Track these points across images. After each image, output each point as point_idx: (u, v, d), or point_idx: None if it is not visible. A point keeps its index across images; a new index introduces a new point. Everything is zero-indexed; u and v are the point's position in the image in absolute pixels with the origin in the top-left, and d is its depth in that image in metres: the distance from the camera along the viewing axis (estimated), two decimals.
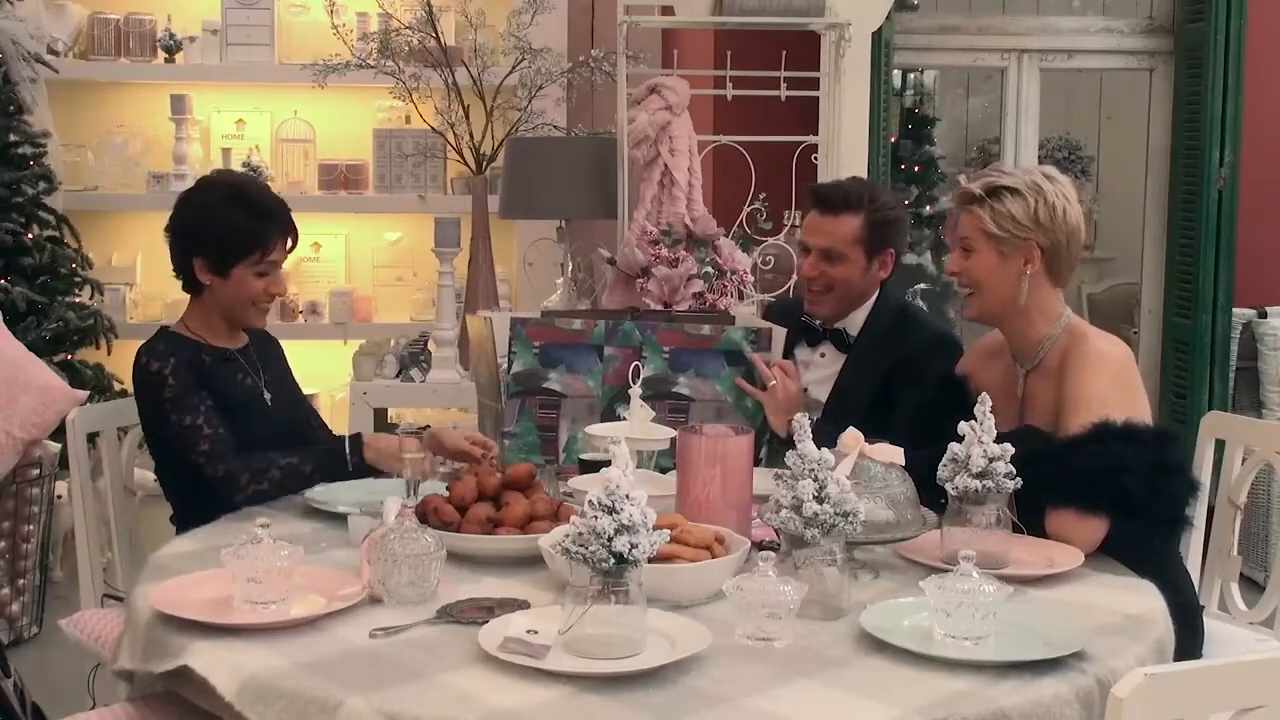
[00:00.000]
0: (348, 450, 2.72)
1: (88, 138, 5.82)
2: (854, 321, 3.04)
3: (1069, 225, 2.49)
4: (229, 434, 2.68)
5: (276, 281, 2.79)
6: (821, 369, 3.04)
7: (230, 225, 2.72)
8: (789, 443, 2.30)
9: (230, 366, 2.79)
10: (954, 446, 2.19)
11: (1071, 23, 5.22)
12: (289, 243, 2.81)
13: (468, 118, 4.32)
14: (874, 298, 3.04)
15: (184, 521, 2.66)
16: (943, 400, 2.60)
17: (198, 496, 2.65)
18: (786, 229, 3.88)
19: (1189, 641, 2.38)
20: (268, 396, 2.83)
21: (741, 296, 3.66)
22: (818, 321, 3.06)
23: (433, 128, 4.38)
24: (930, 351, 2.91)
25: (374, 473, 2.72)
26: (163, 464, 2.77)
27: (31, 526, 4.03)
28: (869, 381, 2.96)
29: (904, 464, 2.26)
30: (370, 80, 4.36)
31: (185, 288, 2.81)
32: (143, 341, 2.76)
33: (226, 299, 2.76)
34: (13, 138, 4.72)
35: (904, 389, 2.86)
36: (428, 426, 2.81)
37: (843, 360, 3.04)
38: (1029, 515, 2.29)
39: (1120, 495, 2.28)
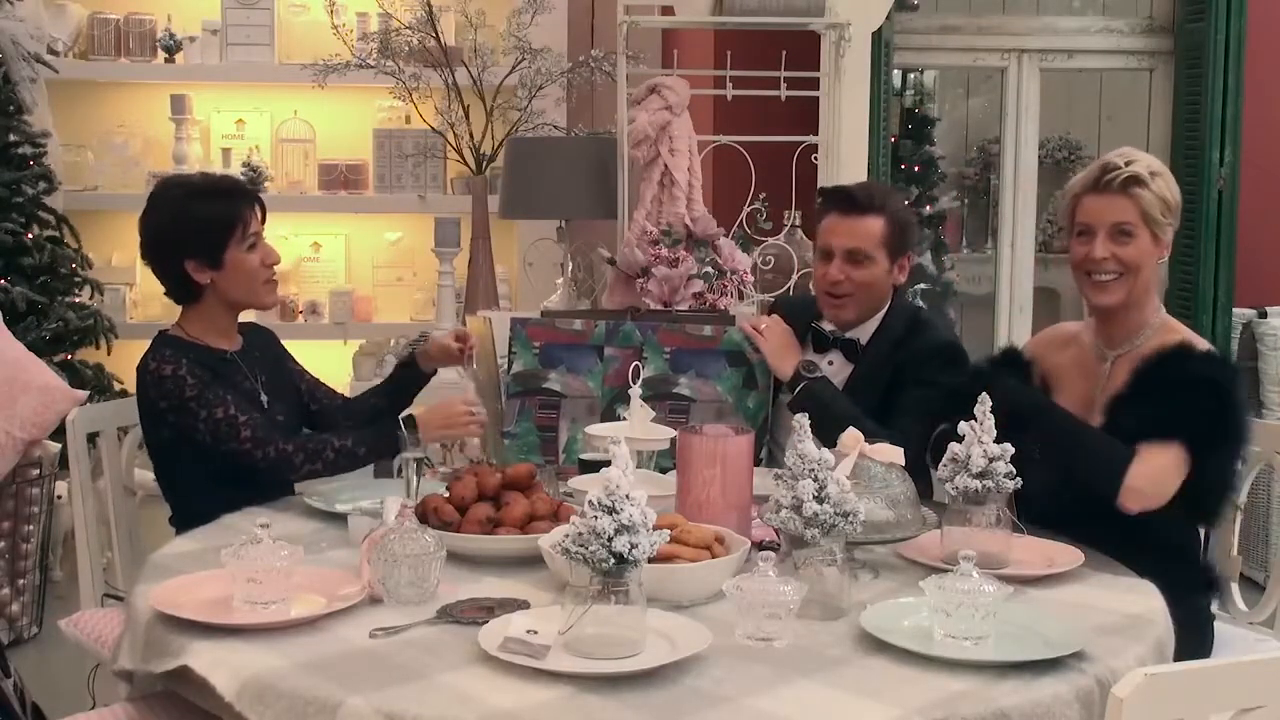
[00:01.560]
0: (404, 431, 2.70)
1: (88, 138, 5.82)
2: (865, 330, 2.95)
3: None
4: (264, 416, 2.70)
5: (268, 251, 2.80)
6: (829, 377, 2.98)
7: (206, 214, 2.72)
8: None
9: (230, 368, 2.79)
10: (954, 446, 2.19)
11: (1071, 23, 5.22)
12: (259, 210, 2.81)
13: (468, 118, 4.32)
14: (887, 306, 2.95)
15: (183, 525, 2.66)
16: (1001, 373, 2.60)
17: (201, 501, 2.64)
18: (786, 229, 3.88)
19: (1197, 650, 2.38)
20: (264, 399, 2.82)
21: (741, 296, 3.66)
22: (830, 329, 2.98)
23: (433, 128, 4.38)
24: (933, 357, 2.84)
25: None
26: (165, 469, 2.77)
27: (31, 526, 4.03)
28: (876, 389, 2.87)
29: (904, 464, 2.27)
30: (370, 80, 4.36)
31: (179, 299, 2.80)
32: (141, 348, 2.75)
33: (232, 288, 2.76)
34: (13, 138, 4.73)
35: (901, 390, 2.83)
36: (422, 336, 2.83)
37: (850, 369, 2.95)
38: (1032, 511, 2.30)
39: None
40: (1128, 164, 2.47)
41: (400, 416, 2.74)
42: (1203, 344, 2.49)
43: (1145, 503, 2.32)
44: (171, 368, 2.67)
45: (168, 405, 2.68)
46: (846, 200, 2.91)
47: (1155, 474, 2.31)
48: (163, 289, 2.82)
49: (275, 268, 2.83)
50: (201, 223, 2.72)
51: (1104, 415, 2.44)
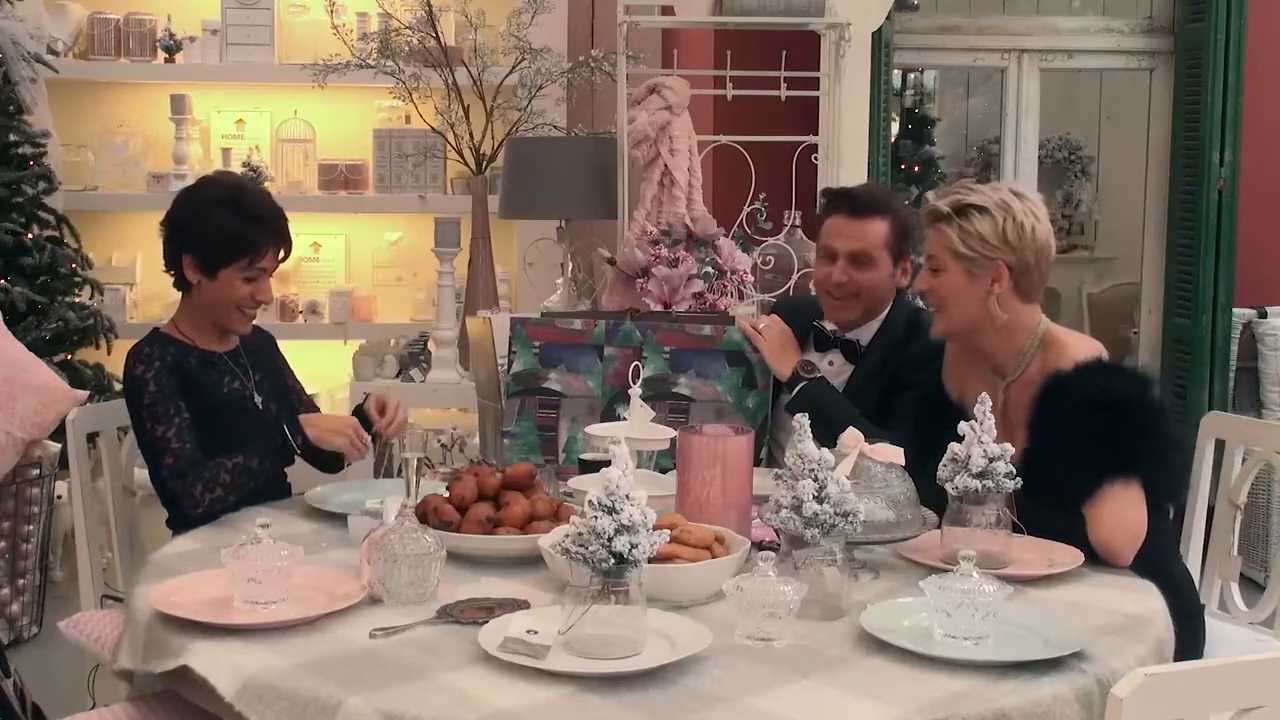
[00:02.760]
0: (289, 434, 2.68)
1: (88, 138, 5.82)
2: (867, 331, 2.96)
3: (1038, 243, 2.46)
4: (196, 448, 2.64)
5: (263, 289, 2.77)
6: (829, 377, 2.97)
7: (221, 227, 2.71)
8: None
9: (216, 370, 2.78)
10: (954, 446, 2.19)
11: (1071, 23, 5.22)
12: (280, 252, 2.79)
13: (468, 118, 4.32)
14: (888, 307, 2.95)
15: (179, 526, 2.66)
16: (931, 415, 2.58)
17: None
18: (786, 229, 3.87)
19: (1189, 642, 2.38)
20: (258, 400, 2.81)
21: (741, 296, 3.66)
22: (832, 329, 2.98)
23: (433, 128, 4.38)
24: (932, 359, 2.79)
25: (322, 453, 2.73)
26: (152, 468, 2.76)
27: (31, 526, 4.03)
28: (876, 390, 2.87)
29: (904, 464, 2.27)
30: (370, 80, 4.36)
31: (176, 285, 2.81)
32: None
33: (211, 300, 2.75)
34: (13, 138, 4.73)
35: (900, 391, 2.81)
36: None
37: (850, 370, 2.95)
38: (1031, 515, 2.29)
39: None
40: (943, 198, 2.50)
41: (285, 423, 2.71)
42: (1078, 353, 2.42)
43: (1129, 547, 2.29)
44: (142, 368, 2.68)
45: (129, 406, 2.72)
46: (851, 202, 2.92)
47: (1114, 524, 2.29)
48: (163, 269, 2.82)
49: (260, 305, 2.79)
50: (215, 233, 2.71)
51: (1022, 470, 2.42)
